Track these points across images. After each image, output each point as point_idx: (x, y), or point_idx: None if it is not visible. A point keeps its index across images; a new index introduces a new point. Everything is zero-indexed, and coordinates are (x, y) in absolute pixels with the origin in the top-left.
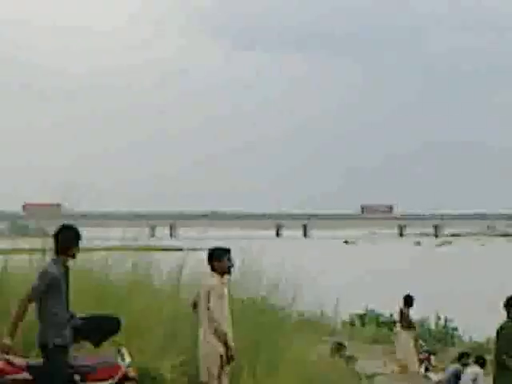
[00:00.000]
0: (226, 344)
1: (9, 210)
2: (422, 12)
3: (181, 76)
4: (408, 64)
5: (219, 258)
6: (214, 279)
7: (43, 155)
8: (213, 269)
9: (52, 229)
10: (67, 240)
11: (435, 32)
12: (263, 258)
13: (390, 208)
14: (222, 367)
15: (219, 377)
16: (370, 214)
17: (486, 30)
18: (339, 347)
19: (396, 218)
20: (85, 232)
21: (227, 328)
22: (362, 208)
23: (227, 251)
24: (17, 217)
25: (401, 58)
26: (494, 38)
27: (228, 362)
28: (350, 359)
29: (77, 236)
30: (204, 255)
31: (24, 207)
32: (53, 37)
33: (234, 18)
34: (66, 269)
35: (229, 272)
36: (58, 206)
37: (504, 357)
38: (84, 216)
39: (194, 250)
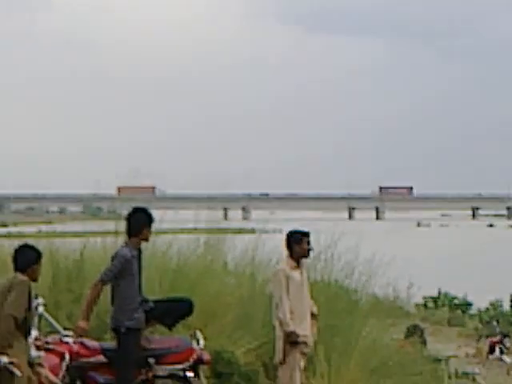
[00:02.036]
0: (285, 330)
1: (103, 193)
2: None
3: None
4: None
5: (298, 242)
6: (282, 264)
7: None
8: (291, 252)
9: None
10: (139, 223)
11: None
12: (337, 241)
13: (410, 189)
14: (291, 348)
15: (286, 359)
16: (387, 195)
17: None
18: (414, 330)
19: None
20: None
21: (305, 314)
22: (381, 189)
23: (306, 234)
24: (112, 200)
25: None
26: None
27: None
28: (424, 342)
29: (149, 218)
30: (277, 237)
31: (119, 190)
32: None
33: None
34: (139, 251)
35: (307, 256)
36: (153, 188)
37: None
38: (176, 199)
39: (267, 232)
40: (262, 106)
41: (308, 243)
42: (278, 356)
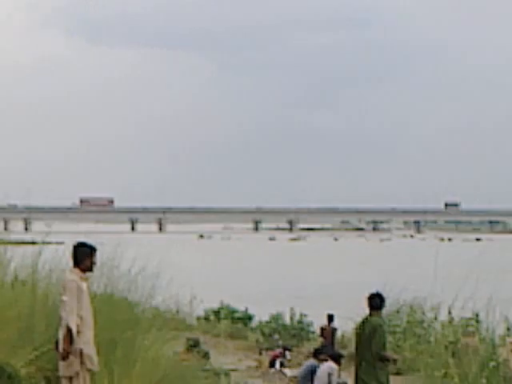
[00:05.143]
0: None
1: None
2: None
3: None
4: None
5: (87, 255)
6: (73, 274)
7: None
8: (76, 264)
9: None
10: None
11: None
12: (119, 253)
13: (111, 201)
14: (81, 363)
15: (78, 373)
16: (88, 207)
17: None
18: (194, 343)
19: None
20: None
21: (91, 325)
22: (81, 201)
23: (95, 249)
24: None
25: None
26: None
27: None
28: (205, 355)
29: None
30: (58, 249)
31: None
32: None
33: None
34: None
35: (91, 270)
36: None
37: (369, 351)
38: None
39: (48, 243)
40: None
41: (95, 257)
42: (64, 370)
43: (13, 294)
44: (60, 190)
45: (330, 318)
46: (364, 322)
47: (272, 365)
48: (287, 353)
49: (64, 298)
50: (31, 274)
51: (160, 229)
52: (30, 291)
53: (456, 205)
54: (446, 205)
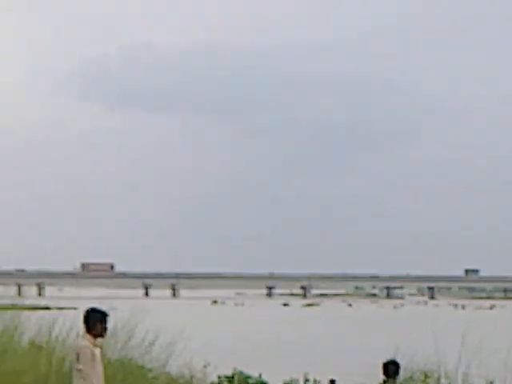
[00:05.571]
0: None
1: None
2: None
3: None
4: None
5: (99, 321)
6: (85, 340)
7: None
8: (88, 330)
9: None
10: None
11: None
12: (133, 319)
13: (111, 266)
14: None
15: None
16: (89, 271)
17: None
18: None
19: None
20: None
21: None
22: (83, 265)
23: (106, 314)
24: None
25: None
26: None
27: None
28: None
29: None
30: (72, 314)
31: None
32: None
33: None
34: None
35: (102, 335)
36: None
37: None
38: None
39: (62, 308)
40: (60, 186)
41: (105, 322)
42: None
43: (29, 360)
44: (67, 255)
45: (332, 383)
46: None
47: None
48: None
49: (79, 366)
50: (47, 340)
51: (174, 294)
52: (45, 356)
53: (476, 271)
54: (466, 271)
